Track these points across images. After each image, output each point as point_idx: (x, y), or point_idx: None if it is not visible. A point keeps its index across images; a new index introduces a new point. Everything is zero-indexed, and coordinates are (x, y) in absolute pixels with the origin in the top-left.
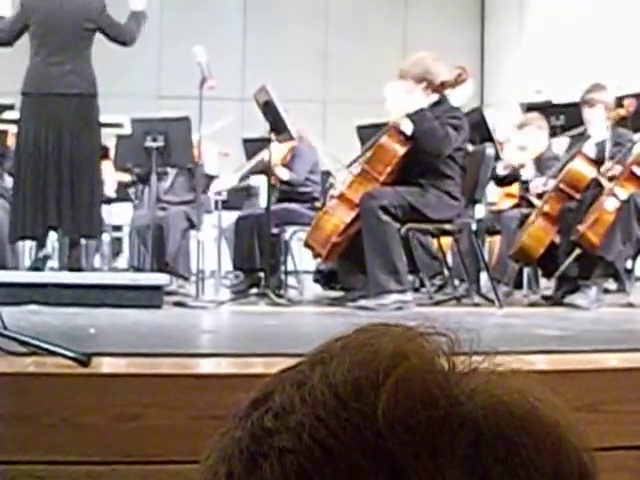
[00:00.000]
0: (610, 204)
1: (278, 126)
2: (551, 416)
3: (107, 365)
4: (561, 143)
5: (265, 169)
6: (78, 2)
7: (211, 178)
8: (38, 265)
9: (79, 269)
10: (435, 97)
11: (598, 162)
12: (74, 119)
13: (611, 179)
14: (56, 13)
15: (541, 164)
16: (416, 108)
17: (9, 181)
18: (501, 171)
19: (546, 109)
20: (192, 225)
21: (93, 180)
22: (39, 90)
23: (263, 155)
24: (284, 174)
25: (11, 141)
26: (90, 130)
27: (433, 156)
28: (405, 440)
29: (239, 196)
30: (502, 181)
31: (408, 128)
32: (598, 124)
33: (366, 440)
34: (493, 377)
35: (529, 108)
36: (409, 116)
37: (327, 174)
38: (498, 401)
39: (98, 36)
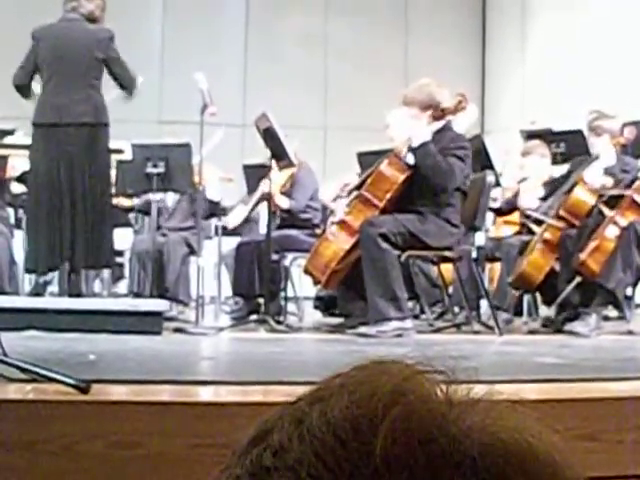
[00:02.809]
0: (610, 232)
1: (279, 153)
2: (547, 454)
3: (106, 392)
4: (562, 171)
5: (266, 197)
6: (87, 32)
7: (213, 204)
8: (38, 290)
9: (79, 295)
10: (439, 124)
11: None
12: (85, 149)
13: (608, 203)
14: (65, 43)
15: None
16: (421, 137)
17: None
18: (496, 204)
19: (546, 137)
20: (192, 251)
21: (105, 210)
22: (50, 120)
23: (265, 184)
24: (284, 202)
25: (9, 173)
26: (100, 159)
27: (438, 190)
28: (402, 478)
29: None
30: (500, 211)
31: (411, 159)
32: (603, 152)
33: (364, 478)
34: (491, 414)
35: (529, 136)
36: (413, 150)
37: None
38: (495, 439)
39: None
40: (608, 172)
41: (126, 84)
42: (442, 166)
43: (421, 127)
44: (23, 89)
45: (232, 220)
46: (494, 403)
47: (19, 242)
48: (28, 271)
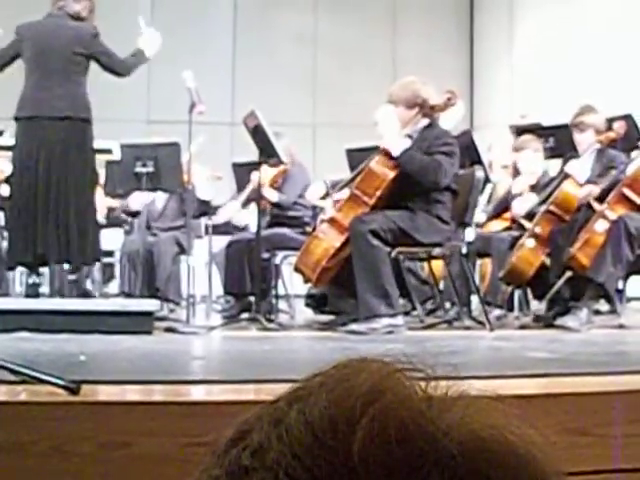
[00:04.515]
0: (600, 226)
1: (267, 150)
2: (526, 450)
3: (97, 393)
4: (551, 165)
5: (255, 195)
6: (69, 28)
7: (204, 203)
8: (29, 292)
9: (85, 294)
10: (426, 121)
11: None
12: (64, 143)
13: (597, 197)
14: (47, 38)
15: (538, 190)
16: (398, 147)
17: None
18: (489, 209)
19: (535, 131)
20: (183, 250)
21: (84, 206)
22: (29, 113)
23: (255, 177)
24: (273, 196)
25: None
26: (81, 154)
27: (431, 187)
28: (380, 477)
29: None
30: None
31: (397, 150)
32: (589, 147)
33: (342, 478)
34: (470, 411)
35: (521, 131)
36: (397, 158)
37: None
38: (474, 436)
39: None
40: (593, 175)
41: (118, 71)
42: (429, 164)
43: (395, 137)
44: None
45: (222, 215)
46: (473, 400)
47: None
48: (9, 269)
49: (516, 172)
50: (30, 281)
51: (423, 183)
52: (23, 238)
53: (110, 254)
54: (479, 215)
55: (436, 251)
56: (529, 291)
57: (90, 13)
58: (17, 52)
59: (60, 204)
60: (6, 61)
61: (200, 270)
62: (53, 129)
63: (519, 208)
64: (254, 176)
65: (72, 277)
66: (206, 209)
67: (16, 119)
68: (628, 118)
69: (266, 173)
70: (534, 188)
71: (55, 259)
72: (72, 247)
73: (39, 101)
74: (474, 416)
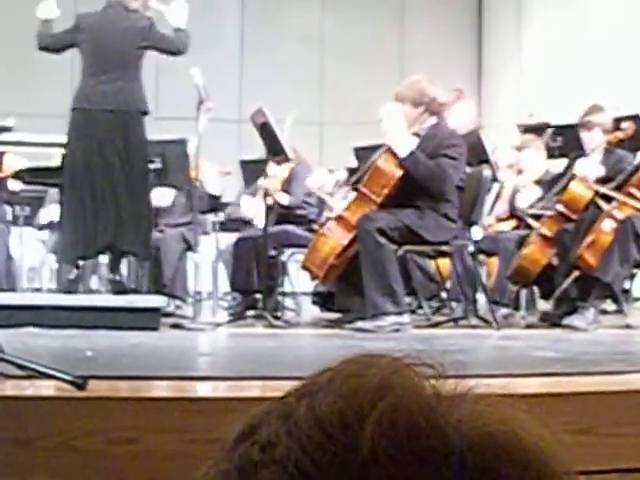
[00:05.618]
0: (608, 225)
1: (275, 148)
2: (535, 446)
3: (103, 388)
4: (559, 165)
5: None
6: (128, 21)
7: (214, 198)
8: (70, 288)
9: (123, 291)
10: (433, 120)
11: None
12: (121, 136)
13: (607, 198)
14: (106, 32)
15: (542, 186)
16: (405, 148)
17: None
18: (501, 213)
19: (543, 130)
20: (189, 247)
21: (146, 200)
22: (85, 105)
23: (271, 169)
24: (284, 199)
25: (6, 171)
26: (138, 148)
27: (433, 192)
28: (390, 472)
29: (237, 218)
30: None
31: (403, 152)
32: (596, 146)
33: (351, 472)
34: (479, 407)
35: (526, 130)
36: (402, 161)
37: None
38: (483, 432)
39: None
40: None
41: (177, 50)
42: (434, 171)
43: (402, 137)
44: (48, 51)
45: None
46: (482, 396)
47: (16, 239)
48: (68, 262)
49: (520, 172)
50: (71, 276)
51: (427, 189)
52: (92, 229)
53: None
54: (487, 217)
55: (443, 249)
56: (536, 290)
57: (145, 9)
58: (73, 42)
59: (126, 198)
60: (63, 46)
61: (206, 267)
62: (113, 122)
63: (522, 201)
64: (264, 181)
65: (111, 277)
66: (216, 205)
67: (73, 110)
68: (636, 119)
69: (277, 173)
70: (539, 183)
71: (127, 248)
72: (139, 241)
73: (99, 94)
74: (483, 411)
